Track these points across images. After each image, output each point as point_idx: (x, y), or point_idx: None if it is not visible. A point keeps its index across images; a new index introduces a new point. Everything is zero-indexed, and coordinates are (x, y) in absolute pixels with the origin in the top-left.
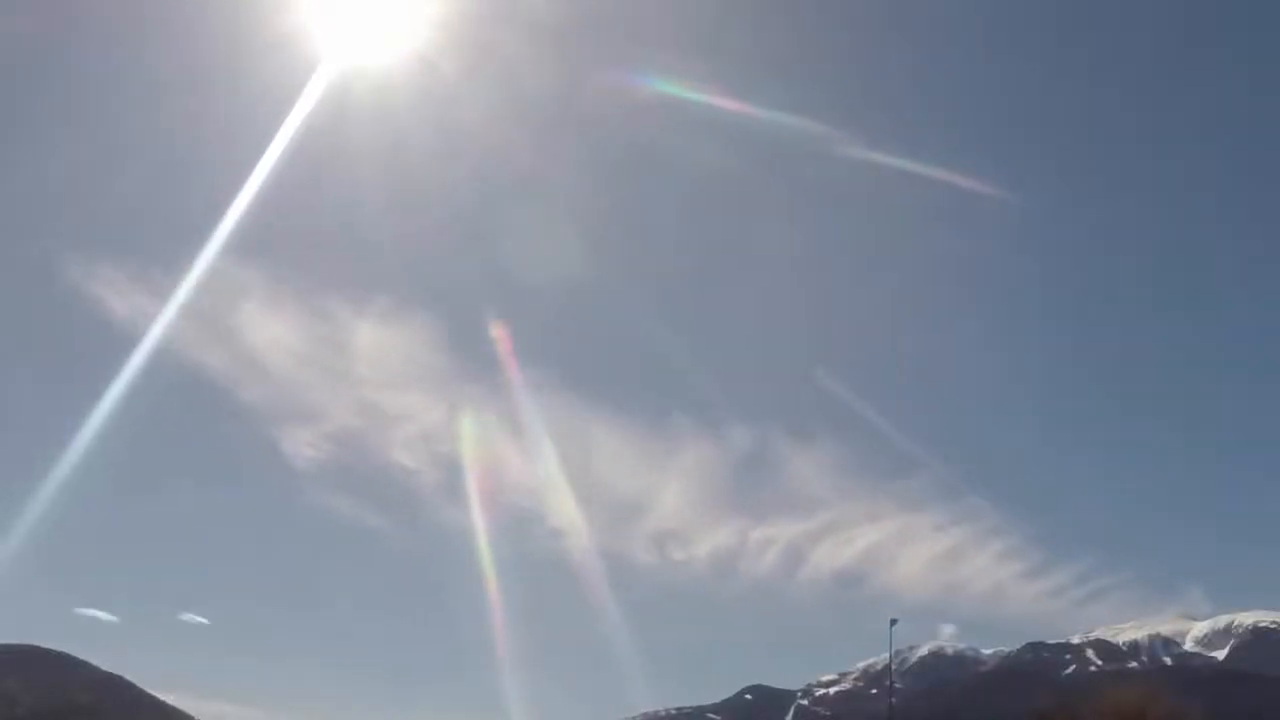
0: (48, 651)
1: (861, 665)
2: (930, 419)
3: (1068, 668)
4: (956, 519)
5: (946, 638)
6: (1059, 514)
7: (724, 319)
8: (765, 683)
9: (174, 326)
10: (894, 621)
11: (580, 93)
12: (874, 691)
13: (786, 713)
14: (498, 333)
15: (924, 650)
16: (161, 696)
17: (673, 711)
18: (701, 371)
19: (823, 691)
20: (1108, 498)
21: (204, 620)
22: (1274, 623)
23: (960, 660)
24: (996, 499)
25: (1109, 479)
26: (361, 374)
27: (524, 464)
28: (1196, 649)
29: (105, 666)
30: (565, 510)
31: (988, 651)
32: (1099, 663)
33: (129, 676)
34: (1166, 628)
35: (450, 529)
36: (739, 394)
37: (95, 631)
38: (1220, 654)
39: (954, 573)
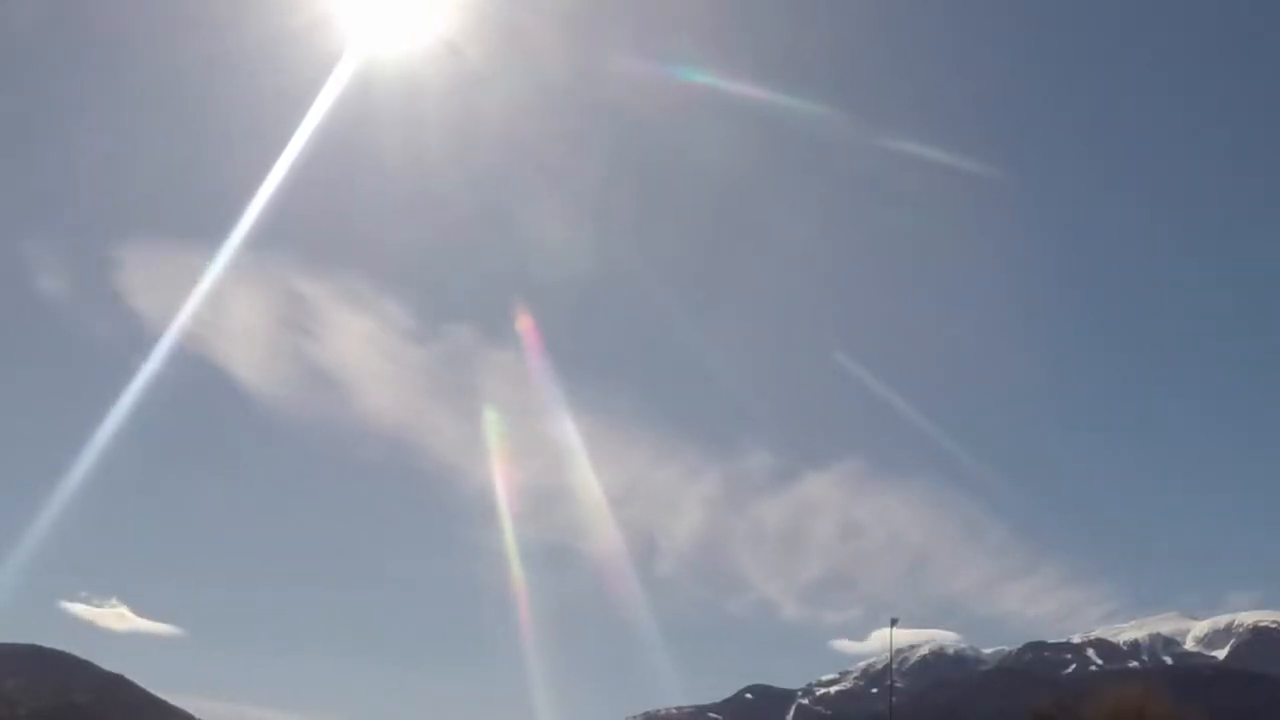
0: (49, 651)
1: (862, 665)
2: (933, 413)
3: (1068, 667)
4: (956, 516)
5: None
6: (1060, 512)
7: (746, 311)
8: (766, 682)
9: (195, 317)
10: (894, 621)
11: (605, 79)
12: (874, 691)
13: (787, 712)
14: (523, 324)
15: (924, 650)
16: (163, 696)
17: (674, 710)
18: (722, 367)
19: (823, 691)
20: (1112, 496)
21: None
22: (1274, 622)
23: (960, 660)
24: (996, 496)
25: (1110, 477)
26: (377, 362)
27: (549, 457)
28: (1197, 648)
29: (107, 667)
30: (586, 504)
31: (988, 651)
32: (1099, 662)
33: (130, 676)
34: (1167, 627)
35: (476, 522)
36: (756, 389)
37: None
38: (1221, 653)
39: (953, 571)
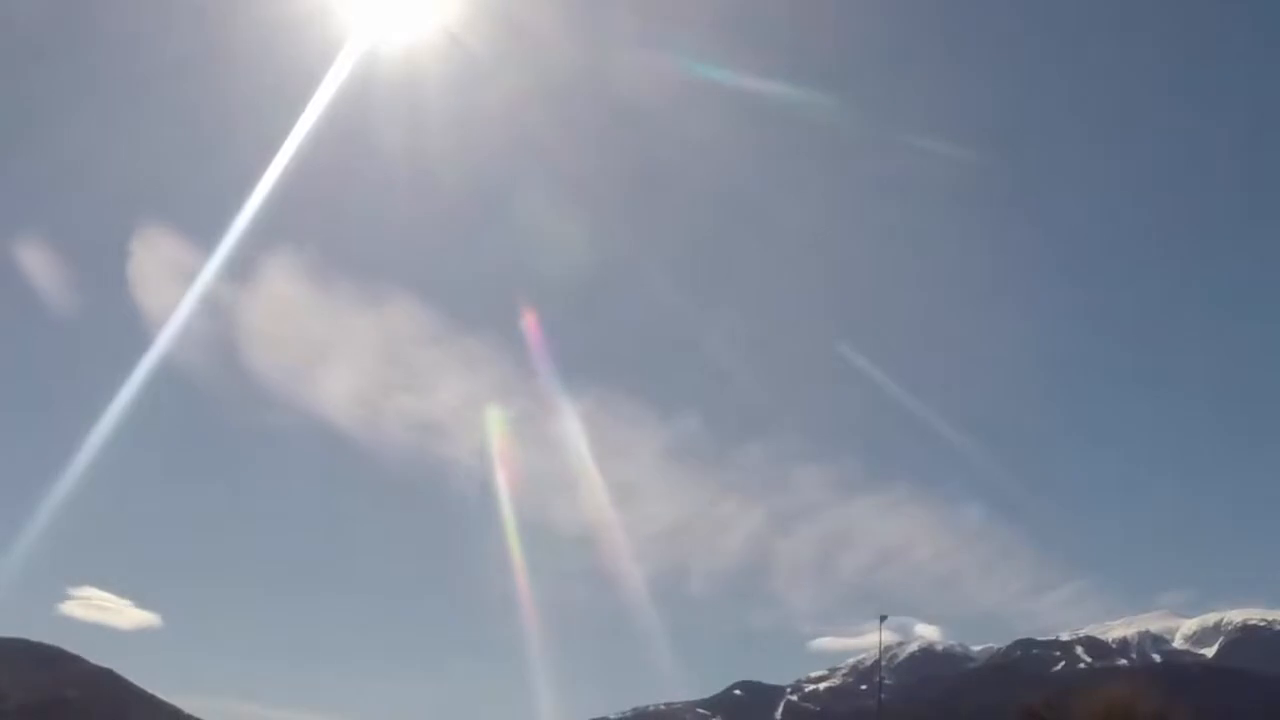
0: (38, 645)
1: (851, 661)
2: (936, 410)
3: (1057, 664)
4: (948, 514)
5: (930, 636)
6: (1048, 508)
7: (753, 309)
8: (755, 678)
9: (196, 310)
10: (883, 618)
11: (609, 71)
12: (863, 688)
13: (776, 708)
14: (526, 319)
15: (913, 647)
16: (153, 691)
17: (662, 707)
18: (726, 362)
19: (812, 688)
20: (1101, 493)
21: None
22: (1263, 620)
23: (950, 657)
24: (988, 494)
25: (1098, 474)
26: (382, 357)
27: (552, 453)
28: (1186, 646)
29: (96, 661)
30: (589, 500)
31: (977, 648)
32: (1088, 660)
33: (120, 671)
34: (1156, 625)
35: (479, 520)
36: (759, 383)
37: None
38: (1209, 651)
39: (945, 569)
